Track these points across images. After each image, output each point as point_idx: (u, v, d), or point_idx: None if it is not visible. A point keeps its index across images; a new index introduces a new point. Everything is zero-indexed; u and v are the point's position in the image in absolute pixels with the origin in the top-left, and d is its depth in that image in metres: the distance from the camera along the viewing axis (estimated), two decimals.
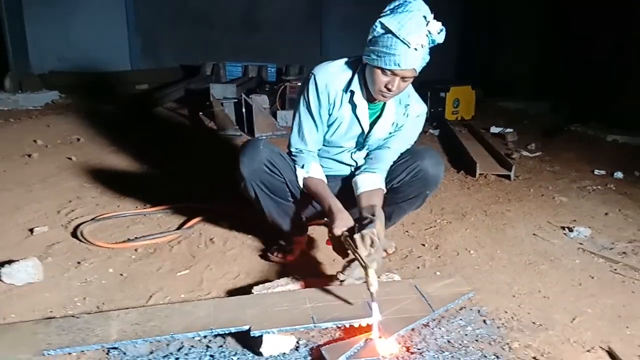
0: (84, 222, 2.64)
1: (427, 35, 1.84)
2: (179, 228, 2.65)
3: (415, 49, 1.82)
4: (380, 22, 1.86)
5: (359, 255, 1.73)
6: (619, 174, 3.84)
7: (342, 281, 1.96)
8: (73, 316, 1.74)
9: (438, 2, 2.01)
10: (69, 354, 1.58)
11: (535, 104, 6.58)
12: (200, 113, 5.11)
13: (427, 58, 1.90)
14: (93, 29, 6.88)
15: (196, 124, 5.08)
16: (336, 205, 1.99)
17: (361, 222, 1.89)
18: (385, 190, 2.12)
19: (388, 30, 1.83)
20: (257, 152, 2.04)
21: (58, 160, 3.74)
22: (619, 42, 5.64)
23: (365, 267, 1.68)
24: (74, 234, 2.53)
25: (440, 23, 1.86)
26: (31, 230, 2.54)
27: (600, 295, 2.08)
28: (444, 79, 6.12)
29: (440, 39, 1.87)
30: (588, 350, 1.70)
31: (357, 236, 1.79)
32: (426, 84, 5.51)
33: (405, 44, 1.81)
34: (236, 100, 5.06)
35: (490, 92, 6.80)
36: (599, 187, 3.59)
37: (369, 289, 1.67)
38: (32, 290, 2.00)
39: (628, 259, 2.41)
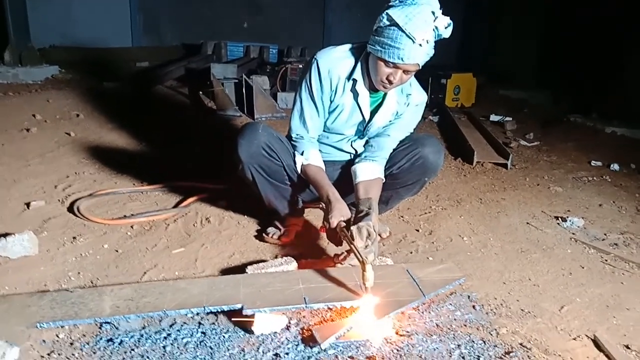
0: (81, 198, 2.66)
1: (433, 30, 1.81)
2: (175, 206, 2.67)
3: (420, 45, 1.80)
4: (387, 13, 1.82)
5: (356, 249, 1.74)
6: (615, 166, 3.85)
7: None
8: (67, 290, 1.76)
9: None
10: (62, 327, 1.60)
11: (536, 93, 6.56)
12: (201, 92, 5.10)
13: (432, 52, 1.87)
14: (95, 4, 6.83)
15: (196, 103, 5.07)
16: (334, 194, 1.99)
17: (357, 215, 1.90)
18: (384, 179, 2.13)
19: (394, 23, 1.79)
20: (256, 136, 2.04)
21: (57, 136, 3.74)
22: (619, 34, 5.61)
23: (362, 262, 1.69)
24: (70, 209, 2.54)
25: (448, 18, 1.82)
26: (28, 205, 2.55)
27: (590, 285, 2.10)
28: (444, 64, 6.09)
29: (447, 34, 1.84)
30: (574, 339, 1.73)
31: (354, 228, 1.80)
32: (427, 69, 5.48)
33: (410, 38, 1.78)
34: (237, 81, 5.05)
35: (491, 79, 6.77)
36: (595, 178, 3.60)
37: (364, 284, 1.69)
38: (27, 264, 2.02)
39: (619, 251, 2.43)
